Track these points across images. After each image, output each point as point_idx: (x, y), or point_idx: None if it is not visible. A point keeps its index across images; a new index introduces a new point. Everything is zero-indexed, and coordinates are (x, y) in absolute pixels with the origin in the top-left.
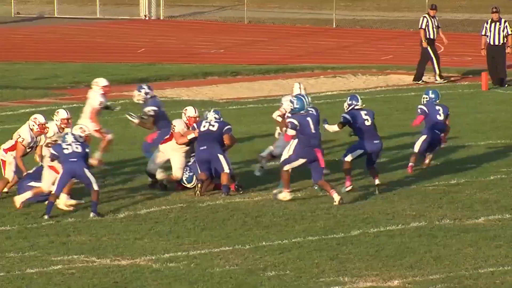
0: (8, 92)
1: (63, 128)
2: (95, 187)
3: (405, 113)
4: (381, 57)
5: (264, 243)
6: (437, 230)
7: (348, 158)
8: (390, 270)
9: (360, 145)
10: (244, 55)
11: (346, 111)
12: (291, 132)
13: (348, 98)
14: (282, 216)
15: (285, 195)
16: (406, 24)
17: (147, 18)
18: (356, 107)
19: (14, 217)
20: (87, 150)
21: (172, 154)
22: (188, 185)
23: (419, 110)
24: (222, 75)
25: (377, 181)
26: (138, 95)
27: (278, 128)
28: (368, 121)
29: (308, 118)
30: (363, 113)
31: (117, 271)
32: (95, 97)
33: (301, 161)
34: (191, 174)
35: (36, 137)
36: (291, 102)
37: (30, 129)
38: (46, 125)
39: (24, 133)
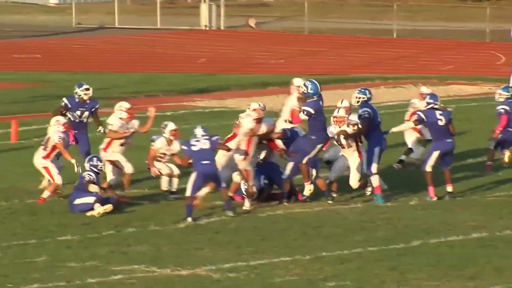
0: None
1: (172, 140)
2: (223, 184)
3: (465, 123)
4: (441, 67)
5: (324, 253)
6: (498, 241)
7: (428, 168)
8: (451, 281)
9: (433, 147)
10: (304, 65)
11: (424, 109)
12: (304, 117)
13: (428, 96)
14: (342, 226)
15: (309, 187)
16: (467, 34)
17: (207, 29)
18: (435, 106)
19: (75, 227)
20: (215, 138)
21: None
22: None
23: (502, 110)
24: (282, 85)
25: (449, 188)
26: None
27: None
28: (441, 121)
29: (321, 102)
30: (438, 113)
31: (177, 281)
32: (293, 99)
33: (318, 147)
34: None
35: (128, 123)
36: (305, 86)
37: (119, 118)
38: (132, 109)
39: (113, 121)
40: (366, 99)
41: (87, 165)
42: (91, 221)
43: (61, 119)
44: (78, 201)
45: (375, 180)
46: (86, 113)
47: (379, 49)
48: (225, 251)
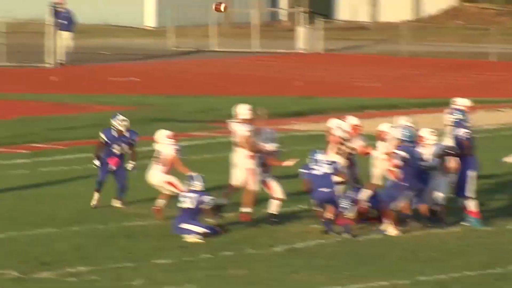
0: (165, 125)
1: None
2: (347, 212)
3: None
4: None
5: (421, 277)
6: None
7: None
8: None
9: None
10: (401, 89)
11: None
12: (399, 163)
13: None
14: (440, 250)
15: (395, 231)
16: None
17: (304, 52)
18: None
19: (172, 250)
20: (336, 166)
21: None
22: (348, 215)
23: None
24: (380, 109)
25: None
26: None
27: None
28: None
29: (417, 149)
30: None
31: None
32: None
33: (407, 194)
34: (351, 204)
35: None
36: (401, 132)
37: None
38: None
39: (240, 127)
40: (460, 120)
41: (199, 184)
42: (187, 244)
43: (169, 133)
44: (186, 226)
45: (472, 205)
46: (126, 147)
47: (478, 72)
48: (321, 275)
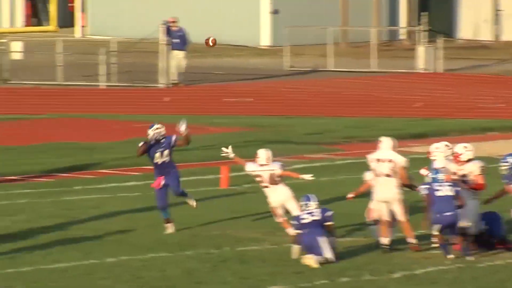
0: (280, 147)
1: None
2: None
3: None
4: None
5: None
6: None
7: None
8: None
9: None
10: None
11: None
12: None
13: None
14: None
15: None
16: None
17: (425, 72)
18: None
19: (287, 276)
20: (457, 189)
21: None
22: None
23: None
24: (503, 131)
25: None
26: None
27: None
28: None
29: None
30: None
31: None
32: None
33: None
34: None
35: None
36: None
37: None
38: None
39: (399, 158)
40: None
41: (314, 204)
42: (304, 270)
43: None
44: (322, 241)
45: None
46: (166, 152)
47: None
48: None
